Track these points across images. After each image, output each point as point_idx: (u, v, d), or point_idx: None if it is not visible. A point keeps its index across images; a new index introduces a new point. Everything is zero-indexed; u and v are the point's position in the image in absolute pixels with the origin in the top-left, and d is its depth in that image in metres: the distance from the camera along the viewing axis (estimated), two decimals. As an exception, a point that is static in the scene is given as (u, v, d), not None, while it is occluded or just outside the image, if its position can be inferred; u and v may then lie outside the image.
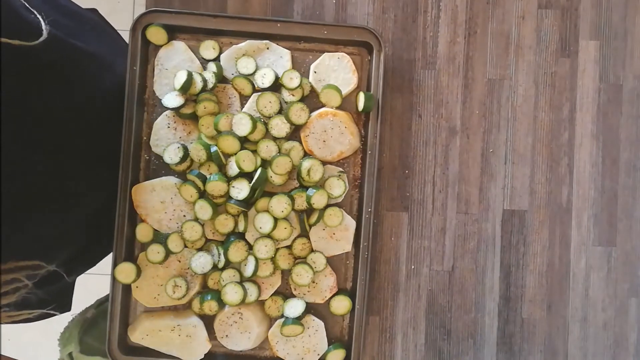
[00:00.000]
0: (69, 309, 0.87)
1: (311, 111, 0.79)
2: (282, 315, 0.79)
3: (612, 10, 0.87)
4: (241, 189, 0.77)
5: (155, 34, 0.79)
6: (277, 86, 0.80)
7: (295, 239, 0.80)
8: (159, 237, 0.79)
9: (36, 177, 0.66)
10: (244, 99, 0.81)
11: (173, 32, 0.81)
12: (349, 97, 0.82)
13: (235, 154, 0.77)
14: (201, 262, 0.78)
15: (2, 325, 0.74)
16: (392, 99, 0.86)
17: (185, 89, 0.76)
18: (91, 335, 0.91)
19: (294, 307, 0.79)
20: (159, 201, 0.78)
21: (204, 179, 0.77)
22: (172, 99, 0.77)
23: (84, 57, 0.74)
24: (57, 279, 0.74)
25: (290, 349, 0.80)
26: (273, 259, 0.79)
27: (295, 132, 0.81)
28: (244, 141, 0.78)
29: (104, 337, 0.79)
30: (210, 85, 0.79)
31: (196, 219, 0.78)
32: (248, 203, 0.78)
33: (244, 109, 0.81)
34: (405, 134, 0.86)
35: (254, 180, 0.76)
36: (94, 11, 0.85)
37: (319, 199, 0.77)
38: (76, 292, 0.93)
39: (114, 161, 0.79)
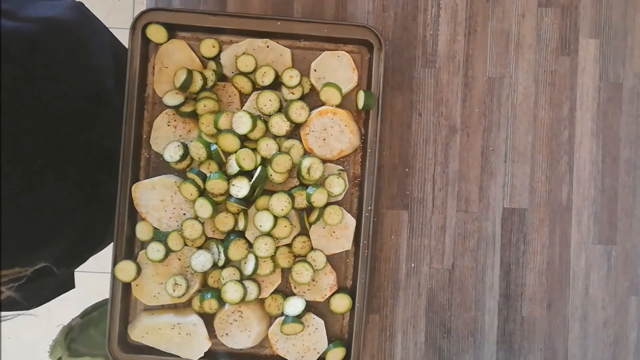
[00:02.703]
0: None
1: (311, 109, 0.79)
2: (282, 314, 0.79)
3: (612, 9, 0.87)
4: (241, 187, 0.77)
5: (155, 33, 0.79)
6: (277, 84, 0.80)
7: (295, 237, 0.80)
8: (159, 236, 0.79)
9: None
10: (244, 97, 0.81)
11: (173, 31, 0.81)
12: (349, 95, 0.82)
13: (235, 152, 0.77)
14: (201, 260, 0.78)
15: (2, 324, 0.74)
16: (392, 97, 0.86)
17: (185, 87, 0.76)
18: (78, 342, 0.91)
19: (294, 306, 0.79)
20: (159, 199, 0.79)
21: (204, 177, 0.77)
22: (172, 97, 0.77)
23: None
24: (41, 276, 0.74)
25: (290, 347, 0.80)
26: (273, 257, 0.79)
27: (295, 131, 0.81)
28: (244, 139, 0.78)
29: (92, 342, 0.79)
30: (210, 83, 0.79)
31: (196, 217, 0.78)
32: (248, 201, 0.78)
33: (244, 107, 0.81)
34: (405, 132, 0.86)
35: (254, 179, 0.76)
36: (80, 5, 0.85)
37: (319, 197, 0.78)
38: (76, 290, 0.93)
39: (92, 159, 0.78)
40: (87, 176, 0.79)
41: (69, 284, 0.89)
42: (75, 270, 0.88)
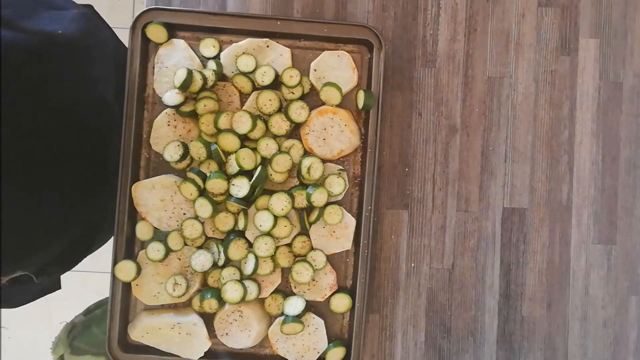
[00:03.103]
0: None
1: (311, 109, 0.79)
2: (282, 313, 0.79)
3: (612, 8, 0.87)
4: (241, 187, 0.77)
5: (155, 32, 0.79)
6: (277, 84, 0.80)
7: (295, 236, 0.80)
8: (159, 235, 0.79)
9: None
10: (244, 96, 0.81)
11: (173, 30, 0.81)
12: (349, 95, 0.82)
13: (235, 151, 0.77)
14: (201, 260, 0.78)
15: (2, 322, 0.74)
16: (392, 97, 0.86)
17: (185, 87, 0.76)
18: (81, 340, 0.91)
19: (294, 305, 0.79)
20: (159, 199, 0.78)
21: (204, 177, 0.77)
22: (172, 97, 0.77)
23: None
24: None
25: (290, 347, 0.80)
26: (273, 257, 0.79)
27: (295, 130, 0.81)
28: (244, 139, 0.78)
29: (94, 340, 0.79)
30: (210, 83, 0.79)
31: (196, 217, 0.78)
32: (248, 201, 0.78)
33: (244, 107, 0.81)
34: (405, 132, 0.86)
35: (254, 178, 0.76)
36: (88, 7, 0.85)
37: (319, 197, 0.77)
38: (76, 290, 0.93)
39: (83, 161, 0.79)
40: (80, 186, 0.79)
41: (55, 286, 0.89)
42: (72, 270, 0.88)
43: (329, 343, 0.80)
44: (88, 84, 0.78)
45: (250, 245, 0.79)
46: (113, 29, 0.93)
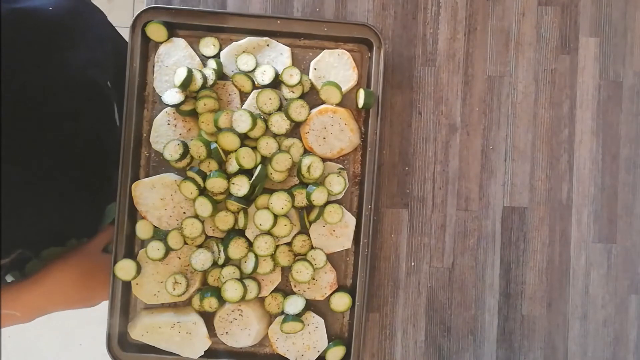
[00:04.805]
0: None
1: (311, 108, 0.79)
2: (282, 312, 0.79)
3: (612, 7, 0.87)
4: (241, 186, 0.77)
5: (155, 31, 0.79)
6: (277, 83, 0.80)
7: (295, 235, 0.80)
8: (159, 234, 0.79)
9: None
10: (244, 95, 0.81)
11: (173, 29, 0.81)
12: (349, 94, 0.82)
13: (235, 150, 0.77)
14: (201, 259, 0.78)
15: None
16: (392, 95, 0.86)
17: (185, 85, 0.76)
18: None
19: (294, 304, 0.79)
20: (159, 198, 0.78)
21: (204, 176, 0.77)
22: (172, 96, 0.77)
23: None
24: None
25: (290, 345, 0.80)
26: (273, 256, 0.79)
27: (295, 129, 0.81)
28: (244, 138, 0.78)
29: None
30: (210, 82, 0.79)
31: (196, 216, 0.78)
32: (248, 200, 0.78)
33: (244, 106, 0.81)
34: (405, 130, 0.86)
35: (253, 177, 0.76)
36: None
37: (319, 196, 0.77)
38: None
39: (80, 149, 0.78)
40: (72, 175, 0.79)
41: None
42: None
43: (329, 342, 0.80)
44: (78, 65, 0.78)
45: (250, 244, 0.79)
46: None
